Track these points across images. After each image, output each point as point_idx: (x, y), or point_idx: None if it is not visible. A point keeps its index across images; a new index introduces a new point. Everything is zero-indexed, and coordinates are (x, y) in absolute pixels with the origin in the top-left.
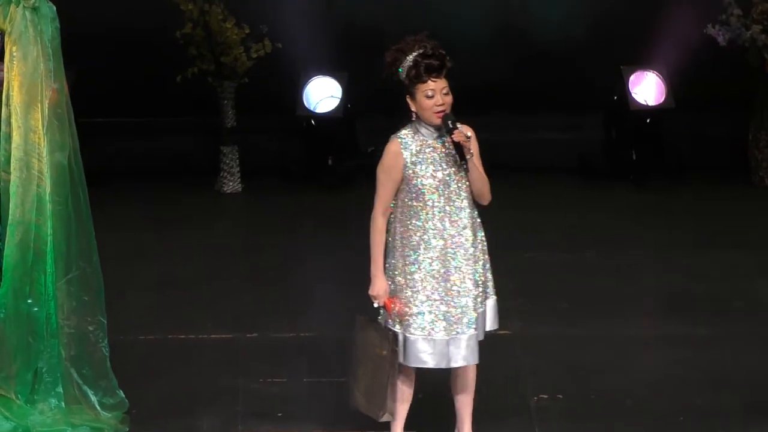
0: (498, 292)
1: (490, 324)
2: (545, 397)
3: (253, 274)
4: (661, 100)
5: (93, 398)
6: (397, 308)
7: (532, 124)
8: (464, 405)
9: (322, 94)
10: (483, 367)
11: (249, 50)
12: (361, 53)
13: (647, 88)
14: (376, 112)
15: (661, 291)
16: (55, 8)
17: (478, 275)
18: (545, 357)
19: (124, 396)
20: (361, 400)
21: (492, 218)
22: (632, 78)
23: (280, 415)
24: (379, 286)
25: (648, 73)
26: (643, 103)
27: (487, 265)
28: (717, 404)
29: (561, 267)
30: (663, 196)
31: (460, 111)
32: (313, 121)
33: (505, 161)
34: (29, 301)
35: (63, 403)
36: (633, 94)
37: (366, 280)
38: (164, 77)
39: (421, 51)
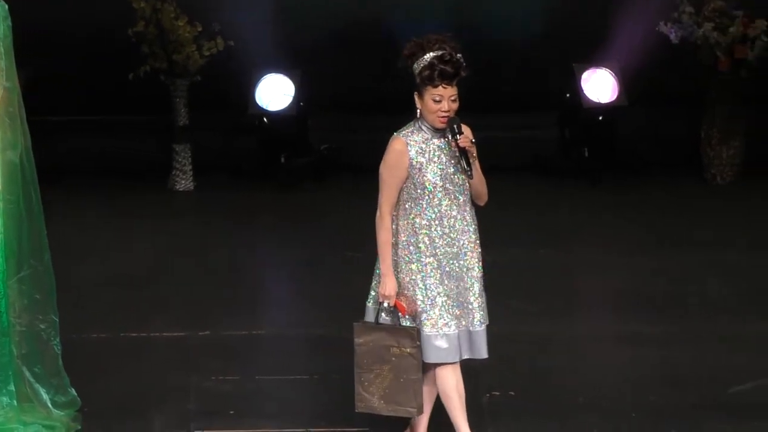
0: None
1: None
2: (497, 394)
3: (205, 271)
4: (614, 97)
5: (45, 396)
6: (407, 306)
7: (487, 123)
8: (459, 409)
9: (275, 92)
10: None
11: (201, 48)
12: (314, 51)
13: (600, 86)
14: (328, 110)
15: (615, 289)
16: (7, 7)
17: (478, 272)
18: (498, 354)
19: (76, 394)
20: (377, 403)
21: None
22: (585, 76)
23: (232, 412)
24: (390, 286)
25: (600, 70)
26: (596, 100)
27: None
28: (669, 401)
29: (516, 264)
30: (616, 193)
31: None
32: (265, 119)
33: None
34: None
35: (15, 401)
36: (585, 92)
37: (319, 278)
38: (117, 75)
39: (440, 53)
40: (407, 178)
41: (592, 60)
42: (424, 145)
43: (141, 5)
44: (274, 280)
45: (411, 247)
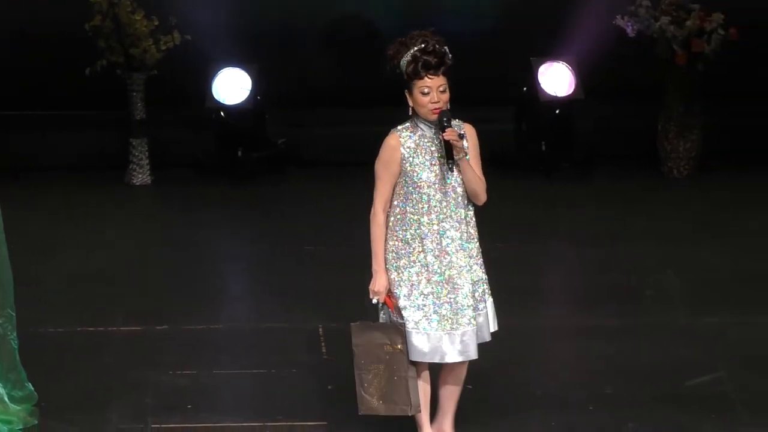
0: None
1: (492, 325)
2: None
3: (162, 266)
4: (571, 91)
5: (1, 391)
6: (396, 303)
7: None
8: (449, 398)
9: (232, 85)
10: None
11: (158, 42)
12: (271, 45)
13: (557, 80)
14: (286, 104)
15: (572, 282)
16: None
17: (474, 273)
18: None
19: (33, 389)
20: (376, 404)
21: None
22: (542, 69)
23: (189, 407)
24: (380, 283)
25: (557, 64)
26: (553, 94)
27: (482, 266)
28: (626, 393)
29: None
30: (573, 187)
31: (377, 102)
32: (222, 113)
33: None
34: None
35: None
36: (542, 86)
37: (276, 272)
38: (73, 70)
39: (422, 46)
40: (400, 173)
41: (550, 54)
42: (418, 141)
43: None
44: (231, 274)
45: (401, 243)
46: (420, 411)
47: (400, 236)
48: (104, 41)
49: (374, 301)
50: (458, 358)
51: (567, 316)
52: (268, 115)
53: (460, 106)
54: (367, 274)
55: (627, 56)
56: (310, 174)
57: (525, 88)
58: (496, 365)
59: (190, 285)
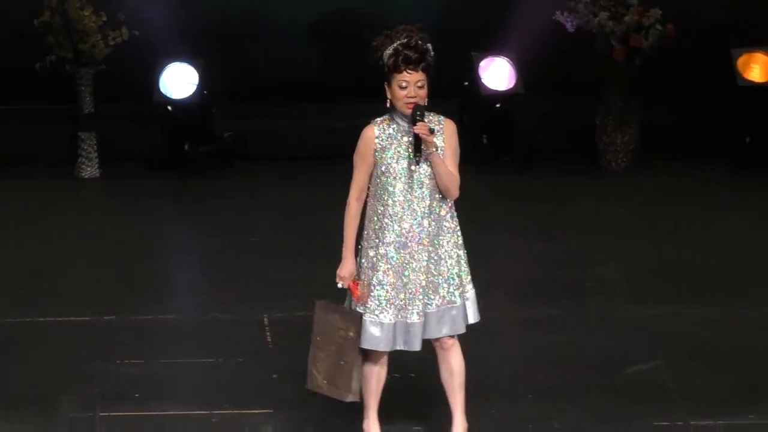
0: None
1: (473, 317)
2: (397, 375)
3: (111, 257)
4: (511, 85)
5: None
6: (359, 290)
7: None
8: (453, 392)
9: (179, 80)
10: None
11: (106, 38)
12: (217, 40)
13: (498, 74)
14: (232, 98)
15: (514, 273)
16: None
17: (442, 266)
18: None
19: None
20: (321, 383)
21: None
22: (483, 64)
23: (137, 395)
24: (346, 268)
25: (498, 59)
26: (494, 88)
27: (462, 260)
28: (566, 382)
29: None
30: (514, 180)
31: (317, 97)
32: (169, 107)
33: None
34: None
35: None
36: (483, 80)
37: (223, 264)
38: (23, 65)
39: (404, 41)
40: (375, 165)
41: (491, 49)
42: (392, 134)
43: None
44: (178, 266)
45: (373, 233)
46: (358, 399)
47: (371, 226)
48: (53, 37)
49: (339, 285)
50: (404, 347)
51: (508, 307)
52: (215, 110)
53: None
54: (311, 265)
55: (566, 51)
56: (256, 167)
57: (466, 83)
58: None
59: (138, 276)
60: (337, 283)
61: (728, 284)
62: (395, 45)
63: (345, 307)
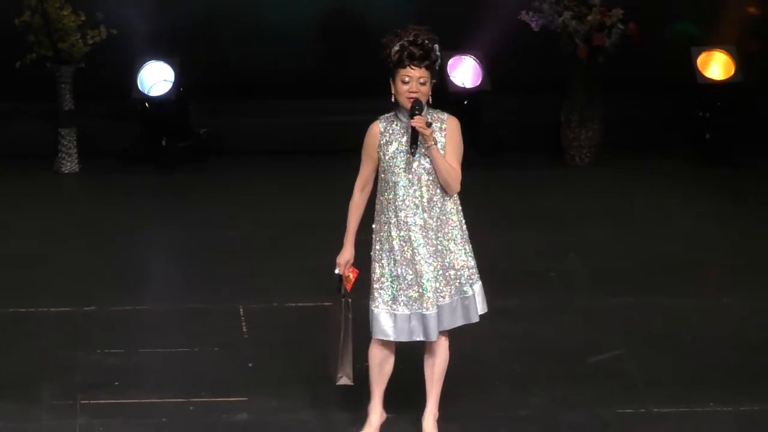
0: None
1: (481, 308)
2: (368, 365)
3: (90, 250)
4: (478, 83)
5: None
6: (352, 279)
7: (356, 107)
8: (431, 382)
9: (156, 78)
10: (308, 337)
11: (85, 36)
12: (193, 39)
13: (465, 72)
14: (207, 94)
15: (479, 265)
16: None
17: (447, 258)
18: (367, 327)
19: None
20: (332, 371)
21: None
22: (450, 62)
23: (117, 384)
24: (343, 256)
25: (466, 57)
26: (461, 86)
27: (470, 252)
28: (532, 370)
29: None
30: (480, 174)
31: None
32: (147, 104)
33: (328, 144)
34: None
35: None
36: (451, 78)
37: (198, 257)
38: (3, 63)
39: (411, 38)
40: (379, 160)
41: (458, 47)
42: (395, 129)
43: None
44: (156, 258)
45: (378, 226)
46: (350, 383)
47: (377, 219)
48: (33, 35)
49: (336, 271)
50: (423, 338)
51: None
52: (191, 106)
53: (370, 96)
54: (284, 258)
55: (532, 50)
56: (230, 162)
57: (434, 80)
58: (411, 344)
59: (117, 268)
60: (335, 270)
61: (686, 275)
62: (402, 42)
63: (340, 294)
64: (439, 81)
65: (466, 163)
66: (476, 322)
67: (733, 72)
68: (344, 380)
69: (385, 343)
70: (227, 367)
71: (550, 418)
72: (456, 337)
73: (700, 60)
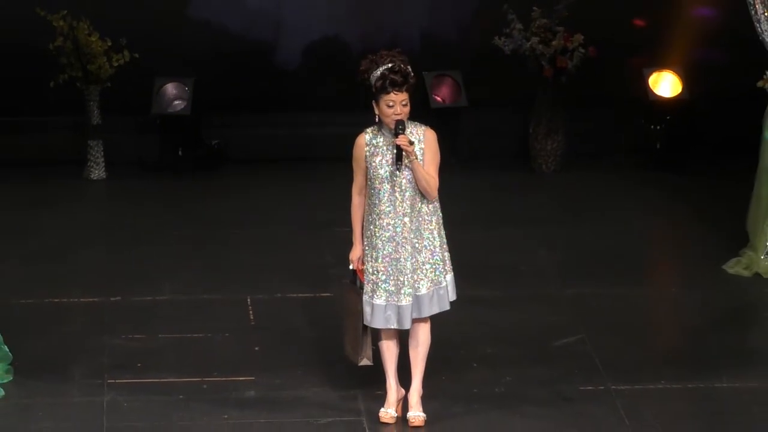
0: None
1: (452, 295)
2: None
3: (114, 246)
4: (457, 99)
5: None
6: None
7: (343, 120)
8: (416, 362)
9: (173, 95)
10: (308, 324)
11: (111, 59)
12: (206, 62)
13: (445, 89)
14: (217, 111)
15: (457, 260)
16: None
17: (424, 255)
18: None
19: (8, 350)
20: (348, 348)
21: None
22: (433, 81)
23: (139, 365)
24: (354, 252)
25: (445, 76)
26: (441, 101)
27: (444, 247)
28: (504, 353)
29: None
30: (457, 179)
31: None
32: (165, 118)
33: (314, 154)
34: None
35: None
36: (433, 95)
37: (211, 252)
38: (40, 82)
39: (389, 66)
40: (366, 168)
41: (439, 68)
42: (379, 143)
43: (60, 24)
44: (174, 254)
45: (369, 225)
46: (370, 364)
47: (369, 219)
48: (65, 58)
49: (350, 267)
50: (397, 326)
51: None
52: (203, 120)
53: (359, 112)
54: (288, 253)
55: (505, 70)
56: (239, 169)
57: (418, 97)
58: (400, 332)
59: (139, 263)
60: (349, 265)
61: (639, 268)
62: (382, 70)
63: (356, 284)
64: (421, 96)
65: (446, 170)
66: (454, 311)
67: (680, 90)
68: (365, 361)
69: (385, 329)
70: (236, 351)
71: (519, 395)
72: (436, 324)
73: (652, 79)
